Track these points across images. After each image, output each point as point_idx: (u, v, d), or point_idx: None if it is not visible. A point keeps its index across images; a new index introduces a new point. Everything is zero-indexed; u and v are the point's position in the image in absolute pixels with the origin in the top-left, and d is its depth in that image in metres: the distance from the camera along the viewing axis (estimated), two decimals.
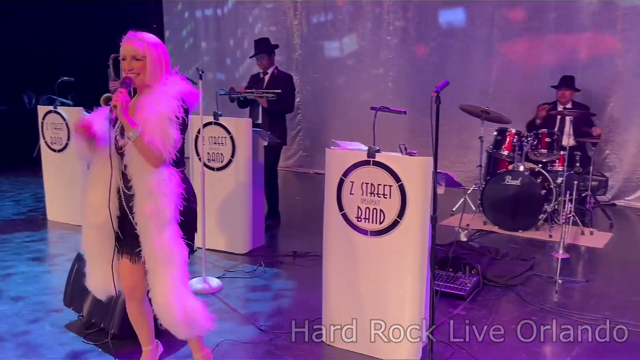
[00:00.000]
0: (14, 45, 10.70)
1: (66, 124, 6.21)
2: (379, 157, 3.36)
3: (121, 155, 2.74)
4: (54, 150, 6.37)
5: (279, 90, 5.86)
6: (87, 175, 2.89)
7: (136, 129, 2.60)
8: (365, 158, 3.40)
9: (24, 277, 4.75)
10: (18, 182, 8.77)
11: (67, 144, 6.25)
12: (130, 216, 2.76)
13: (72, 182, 6.28)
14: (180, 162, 2.82)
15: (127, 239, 2.83)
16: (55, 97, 6.36)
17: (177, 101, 2.67)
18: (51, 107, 6.31)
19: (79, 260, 3.87)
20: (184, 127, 2.72)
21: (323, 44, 9.97)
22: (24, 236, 5.93)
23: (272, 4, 10.27)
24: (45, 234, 6.10)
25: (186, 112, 2.72)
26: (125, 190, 2.76)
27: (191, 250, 2.92)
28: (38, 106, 6.49)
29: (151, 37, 2.76)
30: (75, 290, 3.80)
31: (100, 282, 2.89)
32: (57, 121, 6.27)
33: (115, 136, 2.74)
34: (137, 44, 2.69)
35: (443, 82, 3.36)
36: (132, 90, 2.73)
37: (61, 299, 3.96)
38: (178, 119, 2.66)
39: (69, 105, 6.44)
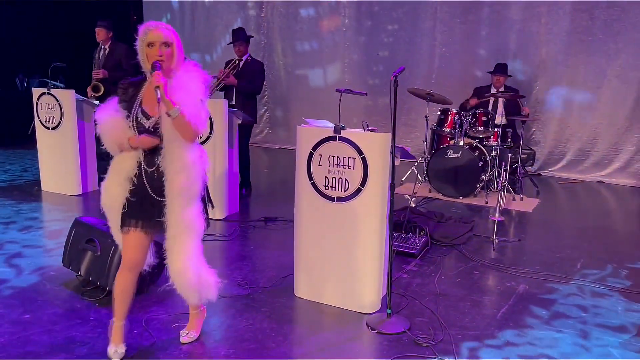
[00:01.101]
0: (6, 32, 10.26)
1: (59, 104, 6.01)
2: (344, 133, 3.32)
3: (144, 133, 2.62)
4: (48, 128, 6.16)
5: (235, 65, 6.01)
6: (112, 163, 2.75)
7: (177, 107, 2.49)
8: (332, 134, 3.35)
9: (24, 241, 4.58)
10: (13, 157, 8.45)
11: (59, 123, 6.06)
12: (150, 191, 2.65)
13: (64, 156, 6.12)
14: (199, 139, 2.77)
15: (143, 212, 2.68)
16: (48, 80, 6.15)
17: (203, 84, 2.62)
18: (45, 90, 6.10)
19: (77, 225, 3.75)
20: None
21: (285, 33, 9.81)
22: (21, 205, 5.72)
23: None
24: (40, 202, 5.89)
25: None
26: (147, 168, 2.64)
27: (207, 223, 2.85)
28: (33, 88, 6.24)
29: (171, 26, 2.65)
30: (73, 252, 3.68)
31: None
32: (50, 102, 6.07)
33: (139, 119, 2.60)
34: (166, 31, 2.57)
35: (400, 67, 3.33)
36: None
37: (60, 260, 3.83)
38: (203, 100, 2.61)
39: (60, 87, 6.21)
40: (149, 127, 2.60)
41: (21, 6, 10.39)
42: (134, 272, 2.77)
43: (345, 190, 3.36)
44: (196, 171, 2.64)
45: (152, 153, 2.63)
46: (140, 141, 2.61)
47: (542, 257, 4.49)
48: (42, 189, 6.35)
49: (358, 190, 3.32)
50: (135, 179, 2.66)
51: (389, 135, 3.24)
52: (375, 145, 3.26)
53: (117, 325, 2.82)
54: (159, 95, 2.47)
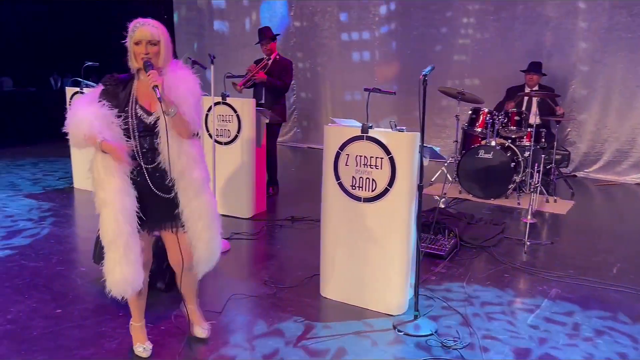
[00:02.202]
0: (41, 33, 10.55)
1: None
2: (371, 133, 3.33)
3: (145, 133, 2.61)
4: None
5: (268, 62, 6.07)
6: (99, 164, 2.60)
7: (174, 106, 2.51)
8: (360, 133, 3.36)
9: (56, 237, 4.71)
10: (47, 155, 8.68)
11: None
12: (153, 188, 2.64)
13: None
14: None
15: (148, 213, 2.68)
16: (81, 80, 6.31)
17: (197, 80, 2.63)
18: (78, 89, 6.26)
19: None
20: None
21: (314, 32, 9.84)
22: (54, 202, 5.88)
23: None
24: (72, 199, 6.05)
25: None
26: (146, 165, 2.62)
27: None
28: (66, 87, 6.41)
29: (161, 24, 2.64)
30: (103, 248, 3.76)
31: (130, 274, 2.60)
32: None
33: (139, 115, 2.60)
34: (153, 30, 2.56)
35: (430, 66, 3.31)
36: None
37: (90, 257, 3.94)
38: (198, 98, 2.63)
39: (92, 86, 6.36)
40: (150, 123, 2.61)
41: (55, 6, 10.67)
42: (147, 273, 2.82)
43: (372, 191, 3.36)
44: (204, 162, 2.72)
45: (151, 150, 2.62)
46: (113, 149, 2.50)
47: (575, 261, 4.41)
48: (74, 186, 6.53)
49: (385, 191, 3.32)
50: (135, 177, 2.63)
51: (418, 134, 3.24)
52: (404, 145, 3.26)
53: (140, 326, 2.92)
54: (158, 95, 2.47)
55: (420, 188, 3.26)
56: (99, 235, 3.79)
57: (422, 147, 3.22)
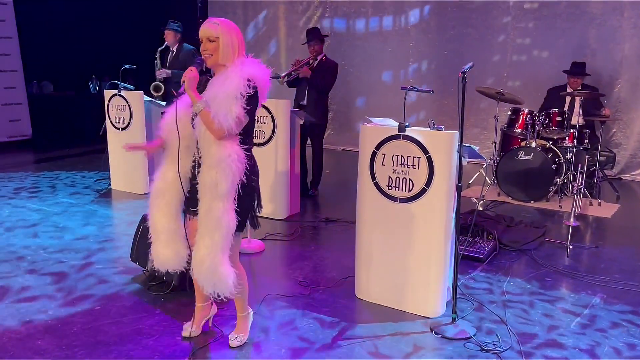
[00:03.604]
0: (80, 37, 10.84)
1: (128, 105, 6.30)
2: (408, 132, 3.32)
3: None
4: (118, 129, 6.48)
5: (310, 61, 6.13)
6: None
7: (201, 102, 2.59)
8: (396, 132, 3.35)
9: (95, 237, 4.84)
10: (85, 157, 8.91)
11: (129, 123, 6.34)
12: (197, 185, 2.76)
13: (133, 156, 6.30)
14: (246, 140, 2.72)
15: (191, 204, 2.83)
16: (119, 83, 6.45)
17: (244, 80, 2.59)
18: (115, 91, 6.41)
19: (144, 221, 3.92)
20: (251, 105, 2.63)
21: (348, 33, 9.85)
22: (93, 202, 6.03)
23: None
24: (110, 200, 6.20)
25: (254, 90, 2.62)
26: (199, 160, 2.76)
27: (254, 225, 2.95)
28: (105, 90, 6.57)
29: (226, 22, 2.69)
30: (141, 248, 3.85)
31: (171, 256, 2.88)
32: (120, 103, 6.36)
33: (192, 114, 2.74)
34: (212, 26, 2.64)
35: (468, 63, 3.28)
36: (204, 69, 2.71)
37: (128, 256, 4.03)
38: (243, 96, 2.58)
39: (130, 89, 6.51)
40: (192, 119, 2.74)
41: (93, 10, 10.96)
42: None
43: (409, 191, 3.35)
44: (224, 169, 2.61)
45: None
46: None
47: (622, 265, 4.29)
48: (112, 187, 6.68)
49: (423, 191, 3.30)
50: (192, 172, 2.82)
51: (457, 134, 3.21)
52: (442, 144, 3.24)
53: (198, 307, 3.10)
54: (182, 89, 2.63)
55: (459, 188, 3.23)
56: (136, 235, 3.93)
57: (461, 146, 3.19)
